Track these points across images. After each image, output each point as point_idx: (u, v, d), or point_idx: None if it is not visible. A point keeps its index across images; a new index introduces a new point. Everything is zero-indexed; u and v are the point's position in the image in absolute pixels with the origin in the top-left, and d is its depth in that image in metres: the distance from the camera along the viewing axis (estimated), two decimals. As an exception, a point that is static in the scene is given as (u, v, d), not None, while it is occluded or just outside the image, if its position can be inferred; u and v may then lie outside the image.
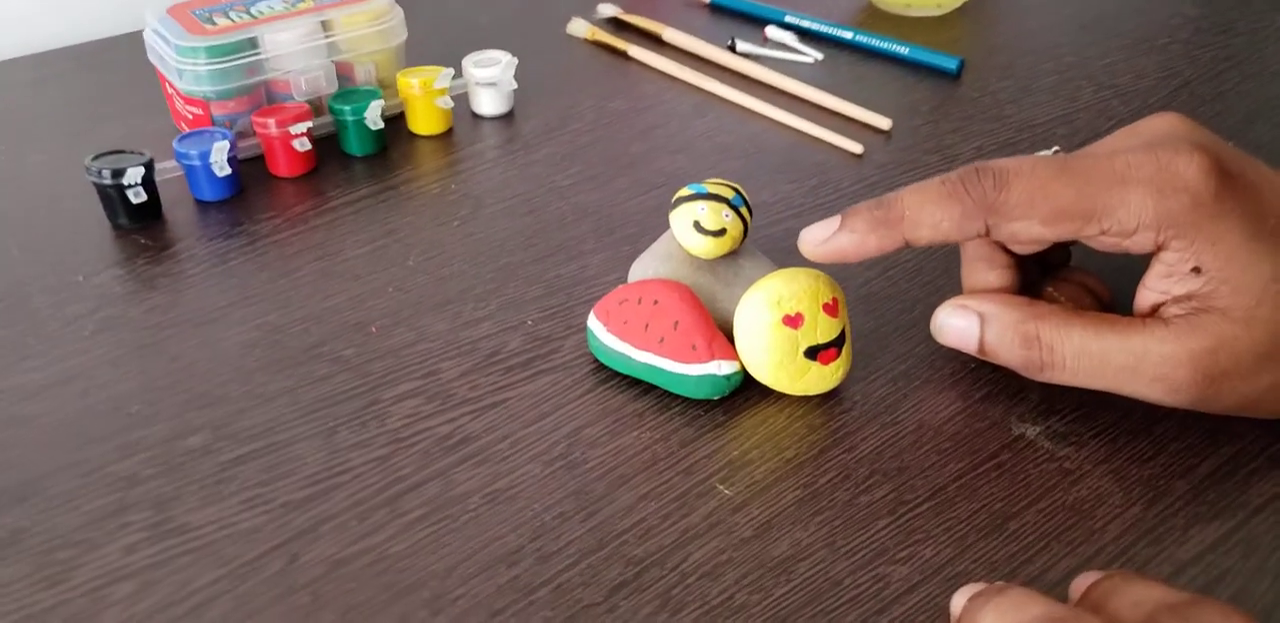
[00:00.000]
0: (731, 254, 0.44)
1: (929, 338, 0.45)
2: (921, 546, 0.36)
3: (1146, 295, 0.39)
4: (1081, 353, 0.38)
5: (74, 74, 0.64)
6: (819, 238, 0.40)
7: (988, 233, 0.38)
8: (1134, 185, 0.36)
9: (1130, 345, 0.37)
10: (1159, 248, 0.37)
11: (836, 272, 0.48)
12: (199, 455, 0.38)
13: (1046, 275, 0.44)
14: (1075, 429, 0.41)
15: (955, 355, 0.44)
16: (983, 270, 0.42)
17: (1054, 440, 0.40)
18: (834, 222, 0.39)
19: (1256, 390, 0.37)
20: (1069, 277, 0.44)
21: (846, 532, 0.36)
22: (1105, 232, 0.37)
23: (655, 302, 0.41)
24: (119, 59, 0.64)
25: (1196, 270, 0.37)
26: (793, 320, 0.40)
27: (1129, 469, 0.39)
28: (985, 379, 0.43)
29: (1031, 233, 0.38)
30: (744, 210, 0.43)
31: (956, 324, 0.41)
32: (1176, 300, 0.38)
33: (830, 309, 0.41)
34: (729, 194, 0.43)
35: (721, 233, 0.42)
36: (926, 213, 0.38)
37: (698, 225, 0.42)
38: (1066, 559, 0.36)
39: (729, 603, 0.34)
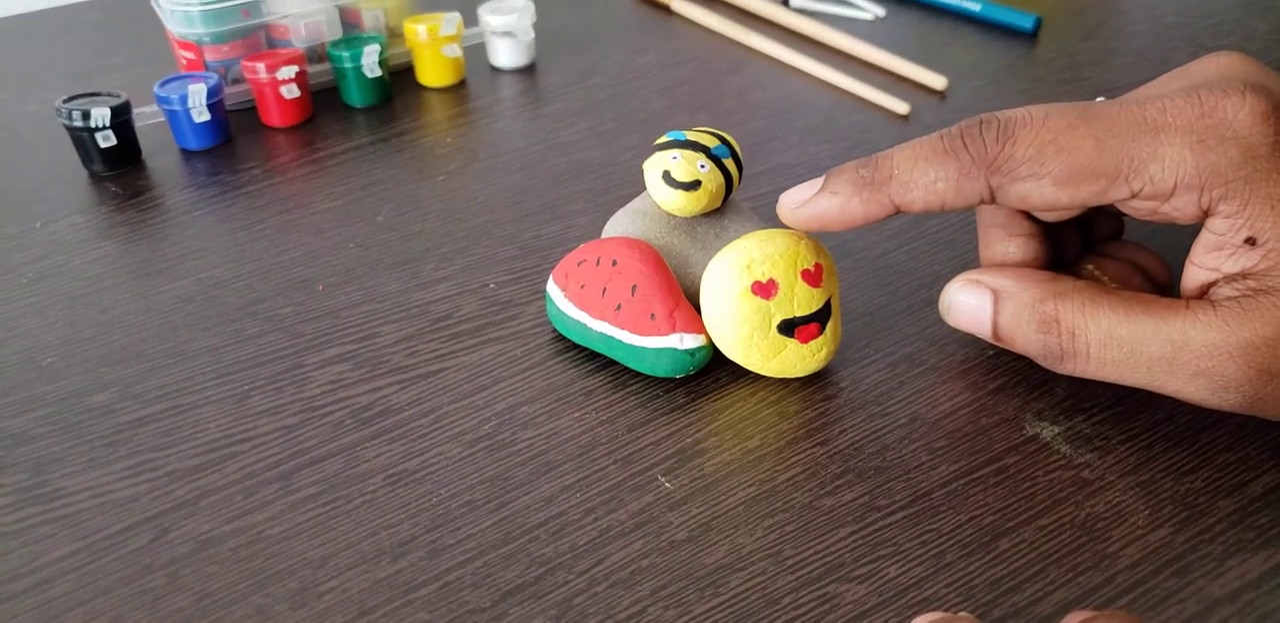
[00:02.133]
0: (716, 213, 0.38)
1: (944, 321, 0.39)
2: (886, 562, 0.30)
3: (1195, 273, 0.32)
4: (1109, 340, 0.31)
5: (94, 25, 0.62)
6: (798, 200, 0.34)
7: (992, 197, 0.32)
8: (1169, 134, 0.30)
9: (1168, 332, 0.31)
10: (1206, 213, 0.31)
11: (847, 243, 0.42)
12: (98, 415, 0.35)
13: (1090, 251, 0.38)
14: (1103, 432, 0.34)
15: (973, 340, 0.38)
16: (999, 239, 0.36)
17: (1074, 444, 0.34)
18: (816, 183, 0.34)
19: None
20: (1118, 252, 0.37)
21: (799, 540, 0.31)
22: (1137, 194, 0.30)
23: (614, 262, 0.36)
24: (138, 9, 0.62)
25: (1251, 241, 0.30)
26: (764, 288, 0.34)
27: (1162, 483, 0.33)
28: (1004, 368, 0.37)
29: (1045, 196, 0.31)
30: (729, 162, 0.37)
31: (967, 303, 0.34)
32: (1229, 279, 0.31)
33: (811, 277, 0.35)
34: (711, 143, 0.37)
35: (695, 186, 0.36)
36: (919, 172, 0.32)
37: (668, 176, 0.36)
38: (1064, 589, 0.30)
39: (638, 618, 0.29)
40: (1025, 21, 0.58)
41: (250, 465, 0.33)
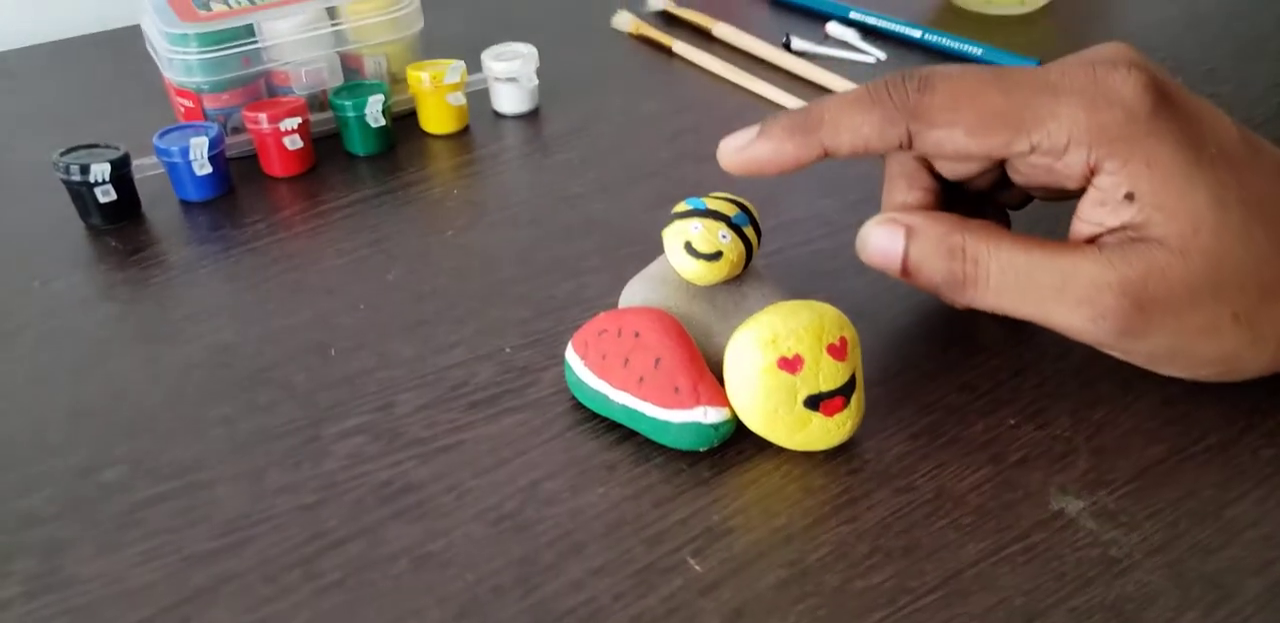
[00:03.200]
0: (735, 281, 0.38)
1: (963, 386, 0.39)
2: (921, 648, 0.30)
3: (1080, 227, 0.35)
4: (1007, 268, 0.35)
5: (82, 64, 0.61)
6: (737, 145, 0.37)
7: (910, 142, 0.35)
8: (1066, 95, 0.34)
9: (1059, 264, 0.34)
10: (1092, 171, 0.34)
11: (861, 304, 0.42)
12: (110, 493, 0.34)
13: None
14: (1127, 507, 0.34)
15: (991, 410, 0.38)
16: (901, 189, 0.39)
17: (1100, 520, 0.34)
18: (753, 129, 0.37)
19: (1186, 330, 0.34)
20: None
21: (832, 625, 0.31)
22: (1035, 147, 0.34)
23: (636, 334, 0.36)
24: (129, 49, 0.61)
25: (1130, 197, 0.33)
26: (790, 364, 0.34)
27: (1189, 562, 0.32)
28: (1025, 439, 0.37)
29: (956, 143, 0.34)
30: (749, 230, 0.37)
31: (880, 239, 0.37)
32: (1111, 232, 0.34)
33: (837, 351, 0.35)
34: (731, 211, 0.37)
35: (717, 256, 0.36)
36: (846, 117, 0.35)
37: (690, 247, 0.36)
38: (1100, 676, 0.29)
39: (675, 710, 0.28)
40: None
41: (270, 548, 0.33)
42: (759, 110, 0.56)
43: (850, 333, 0.35)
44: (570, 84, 0.58)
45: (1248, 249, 0.33)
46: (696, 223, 0.36)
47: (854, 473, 0.35)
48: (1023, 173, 0.36)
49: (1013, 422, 0.37)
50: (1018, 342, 0.40)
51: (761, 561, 0.32)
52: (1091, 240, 0.35)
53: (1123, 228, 0.34)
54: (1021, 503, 0.34)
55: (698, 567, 0.32)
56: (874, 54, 0.61)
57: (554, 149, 0.53)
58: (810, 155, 0.36)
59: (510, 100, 0.55)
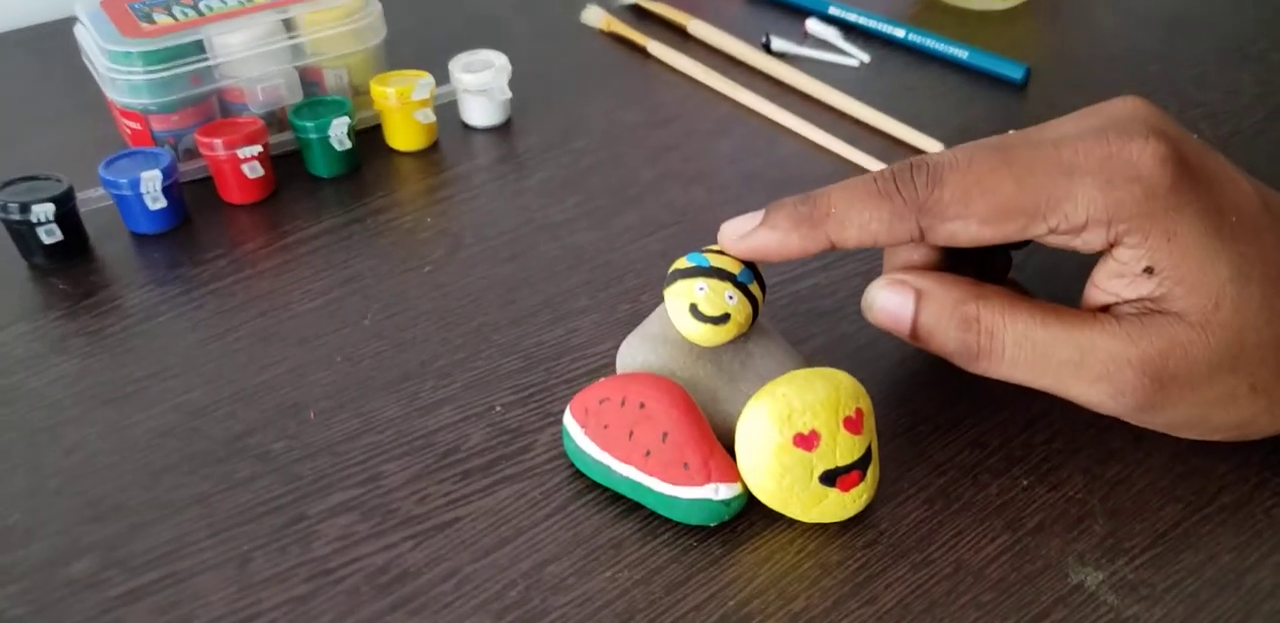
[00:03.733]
0: (740, 337, 0.36)
1: (973, 442, 0.37)
2: (953, 747, 0.29)
3: (1096, 295, 0.34)
4: (1024, 341, 0.34)
5: (5, 66, 0.57)
6: (739, 232, 0.35)
7: (922, 236, 0.34)
8: (1081, 175, 0.32)
9: (1077, 338, 0.33)
10: (1111, 245, 0.33)
11: (863, 349, 0.41)
12: (81, 589, 0.32)
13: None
14: (1147, 578, 0.33)
15: (1004, 469, 0.36)
16: (907, 246, 0.37)
17: (1119, 593, 0.33)
18: (757, 216, 0.35)
19: (1205, 402, 0.34)
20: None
21: (860, 724, 0.29)
22: (1054, 229, 0.33)
23: (641, 405, 0.34)
24: (62, 48, 0.56)
25: (1149, 271, 0.33)
26: (806, 440, 0.33)
27: (1215, 638, 0.32)
28: (1040, 502, 0.35)
29: (970, 233, 0.33)
30: (754, 287, 0.35)
31: (890, 301, 0.35)
32: (1128, 303, 0.34)
33: (853, 424, 0.33)
34: (735, 268, 0.35)
35: (724, 319, 0.34)
36: (854, 212, 0.34)
37: (695, 310, 0.34)
38: None
39: None
40: (1015, 73, 0.57)
41: (261, 651, 0.31)
42: (742, 122, 0.53)
43: (866, 403, 0.34)
44: (542, 89, 0.55)
45: (1269, 323, 0.33)
46: (702, 283, 0.34)
47: (870, 546, 0.34)
48: (1041, 241, 0.35)
49: (1025, 483, 0.36)
50: (1027, 391, 0.39)
51: (782, 651, 0.31)
52: (1105, 308, 0.34)
53: (1139, 300, 0.33)
54: (1041, 576, 0.33)
55: (717, 661, 0.31)
56: (857, 56, 0.59)
57: (530, 167, 0.50)
58: (816, 248, 0.34)
59: (481, 113, 0.52)
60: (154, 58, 0.45)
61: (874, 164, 0.50)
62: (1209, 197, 0.33)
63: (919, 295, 0.35)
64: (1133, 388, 0.33)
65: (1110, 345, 0.33)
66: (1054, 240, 0.34)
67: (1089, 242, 0.33)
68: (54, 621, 0.31)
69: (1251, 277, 0.32)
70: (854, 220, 0.34)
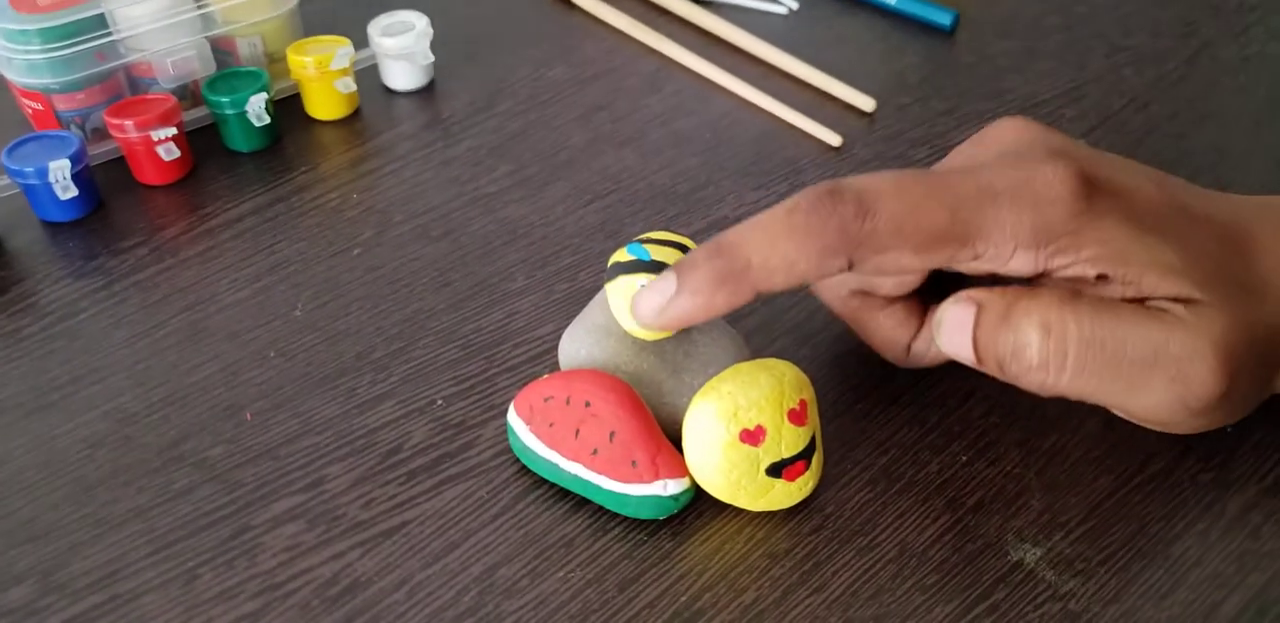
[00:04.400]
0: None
1: (913, 419, 0.38)
2: (901, 733, 0.30)
3: None
4: (1092, 342, 0.31)
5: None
6: (655, 307, 0.32)
7: (850, 268, 0.32)
8: (1005, 202, 0.32)
9: (1149, 330, 0.31)
10: (1044, 273, 0.32)
11: (801, 324, 0.41)
12: (20, 618, 0.31)
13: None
14: (1082, 552, 0.34)
15: (943, 445, 0.37)
16: (882, 318, 0.37)
17: (1057, 569, 0.34)
18: (668, 283, 0.32)
19: (1243, 390, 0.33)
20: None
21: (812, 715, 0.30)
22: (979, 256, 0.32)
23: (587, 403, 0.34)
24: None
25: (1103, 278, 0.32)
26: (752, 436, 0.33)
27: (1144, 610, 0.33)
28: (979, 479, 0.36)
29: (900, 263, 0.32)
30: (697, 279, 0.35)
31: (956, 316, 0.33)
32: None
33: (797, 416, 0.33)
34: (675, 259, 0.35)
35: (668, 316, 0.34)
36: (778, 255, 0.31)
37: (639, 308, 0.34)
38: (1072, 748, 0.30)
39: None
40: (944, 18, 0.56)
41: (216, 673, 0.30)
42: (672, 78, 0.52)
43: (809, 393, 0.34)
44: (464, 47, 0.53)
45: (1246, 292, 0.32)
46: (643, 279, 0.34)
47: (817, 531, 0.35)
48: (966, 271, 0.34)
49: (965, 458, 0.37)
50: (962, 364, 0.40)
51: (735, 646, 0.32)
52: None
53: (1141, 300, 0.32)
54: (981, 555, 0.34)
55: (671, 659, 0.31)
56: (785, 3, 0.57)
57: (456, 134, 0.49)
58: (743, 301, 0.32)
59: (403, 77, 0.50)
60: (53, 34, 0.42)
61: (809, 125, 0.49)
62: (1124, 204, 0.32)
63: (978, 307, 0.33)
64: (1207, 382, 0.31)
65: (1184, 337, 0.31)
66: (974, 267, 0.33)
67: (1017, 268, 0.32)
68: (-2, 651, 0.31)
69: (1201, 261, 0.32)
70: (778, 264, 0.31)
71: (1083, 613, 0.33)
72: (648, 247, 0.35)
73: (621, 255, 0.35)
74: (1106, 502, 0.36)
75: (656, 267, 0.34)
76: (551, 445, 0.34)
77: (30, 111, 0.45)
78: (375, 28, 0.49)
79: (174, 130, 0.43)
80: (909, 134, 0.50)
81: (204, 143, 0.47)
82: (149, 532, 0.34)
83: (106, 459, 0.35)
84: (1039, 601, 0.33)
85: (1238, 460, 0.37)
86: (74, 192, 0.42)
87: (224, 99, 0.45)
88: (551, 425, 0.34)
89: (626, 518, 0.34)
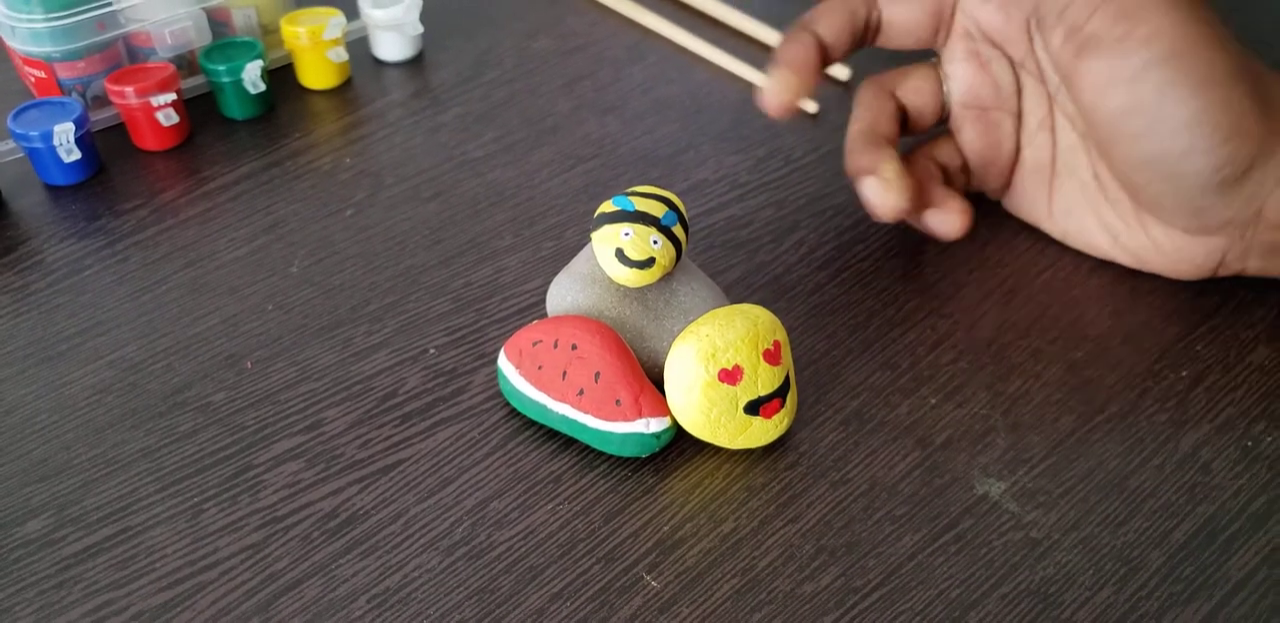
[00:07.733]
0: (664, 276, 0.38)
1: (884, 365, 0.40)
2: (870, 649, 0.32)
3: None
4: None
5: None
6: (775, 100, 0.42)
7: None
8: None
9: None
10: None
11: (778, 277, 0.43)
12: (38, 549, 0.33)
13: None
14: (1043, 486, 0.36)
15: (913, 389, 0.39)
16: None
17: (1020, 501, 0.36)
18: (774, 77, 0.42)
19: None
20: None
21: (787, 633, 0.32)
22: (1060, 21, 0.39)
23: (573, 346, 0.36)
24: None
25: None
26: (730, 375, 0.34)
27: (1100, 537, 0.35)
28: (947, 419, 0.38)
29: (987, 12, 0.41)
30: (678, 229, 0.37)
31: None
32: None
33: (772, 356, 0.35)
34: (659, 211, 0.36)
35: (649, 263, 0.36)
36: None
37: (621, 255, 0.35)
38: (1031, 662, 0.32)
39: (650, 736, 0.30)
40: (918, -8, 0.57)
41: (223, 597, 0.32)
42: (653, 49, 0.54)
43: (782, 335, 0.36)
44: (452, 19, 0.55)
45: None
46: (627, 228, 0.36)
47: (792, 467, 0.36)
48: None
49: (934, 401, 0.39)
50: (931, 311, 0.42)
51: (714, 571, 0.34)
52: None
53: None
54: (949, 489, 0.36)
55: (654, 583, 0.33)
56: (765, -22, 0.59)
57: (445, 102, 0.50)
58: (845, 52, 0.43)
59: (392, 48, 0.52)
60: (55, 4, 0.44)
61: (785, 91, 0.51)
62: None
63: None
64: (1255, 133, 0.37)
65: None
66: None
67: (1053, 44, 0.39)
68: (13, 581, 0.32)
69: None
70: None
71: (1044, 540, 0.35)
72: (632, 199, 0.37)
73: (608, 207, 0.37)
74: (1068, 440, 0.38)
75: (640, 216, 0.36)
76: (540, 387, 0.36)
77: (33, 80, 0.46)
78: (366, 0, 0.51)
79: (173, 96, 0.45)
80: (882, 101, 0.51)
81: (201, 111, 0.49)
82: (157, 470, 0.35)
83: (115, 404, 0.37)
84: (1003, 529, 0.35)
85: (1191, 402, 0.39)
86: (77, 155, 0.43)
87: (220, 68, 0.46)
88: (540, 368, 0.36)
89: (612, 457, 0.36)
